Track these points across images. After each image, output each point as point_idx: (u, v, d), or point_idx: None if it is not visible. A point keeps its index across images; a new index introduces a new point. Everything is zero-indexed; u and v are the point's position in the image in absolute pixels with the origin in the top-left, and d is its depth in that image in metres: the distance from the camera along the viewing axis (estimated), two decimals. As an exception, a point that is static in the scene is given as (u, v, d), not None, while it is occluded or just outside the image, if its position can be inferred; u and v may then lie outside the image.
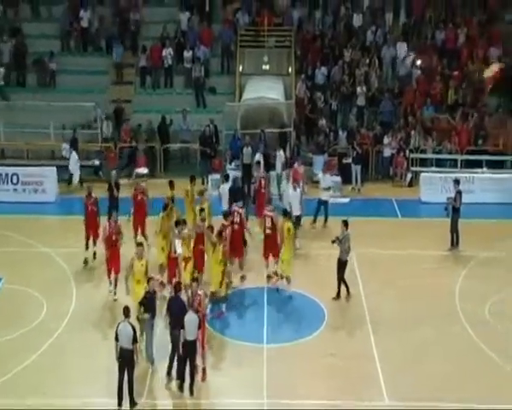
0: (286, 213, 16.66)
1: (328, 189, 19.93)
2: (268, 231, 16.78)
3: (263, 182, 19.31)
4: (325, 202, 19.69)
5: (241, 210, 17.20)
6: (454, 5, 27.28)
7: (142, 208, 17.84)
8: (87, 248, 17.39)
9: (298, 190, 18.52)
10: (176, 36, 26.40)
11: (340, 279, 16.03)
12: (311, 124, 24.40)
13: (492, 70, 24.04)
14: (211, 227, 15.94)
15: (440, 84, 24.93)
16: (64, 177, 22.09)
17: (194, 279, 14.00)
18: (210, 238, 15.50)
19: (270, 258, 16.82)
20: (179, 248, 15.38)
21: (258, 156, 20.94)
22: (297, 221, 18.12)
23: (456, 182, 18.76)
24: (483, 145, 23.44)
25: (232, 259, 16.47)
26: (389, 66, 25.95)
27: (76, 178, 22.06)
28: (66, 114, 23.34)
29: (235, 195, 18.30)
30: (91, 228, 17.32)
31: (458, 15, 26.99)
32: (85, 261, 17.37)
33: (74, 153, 22.26)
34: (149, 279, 13.85)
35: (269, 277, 16.69)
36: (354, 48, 25.99)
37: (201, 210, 16.96)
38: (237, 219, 16.91)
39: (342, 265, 15.99)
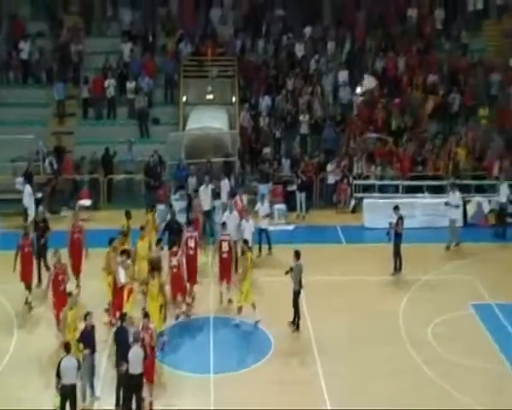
0: (247, 244, 16.96)
1: (266, 216, 20.33)
2: (225, 256, 17.06)
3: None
4: (265, 230, 20.07)
5: (194, 234, 17.48)
6: (393, 35, 28.51)
7: (78, 248, 17.61)
8: (28, 289, 17.06)
9: (250, 221, 18.90)
10: (118, 67, 26.77)
11: (295, 308, 16.40)
12: (256, 153, 24.99)
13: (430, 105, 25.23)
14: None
15: (382, 111, 25.90)
16: (9, 211, 21.92)
17: (145, 315, 14.17)
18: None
19: (225, 283, 17.22)
20: (123, 277, 15.55)
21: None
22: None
23: (396, 208, 19.50)
24: (423, 171, 24.40)
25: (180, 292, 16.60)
26: (331, 94, 26.86)
27: (31, 213, 21.36)
28: (6, 148, 23.27)
29: (171, 229, 18.40)
30: (26, 272, 16.90)
31: (398, 44, 28.19)
32: (26, 301, 17.08)
33: (28, 186, 21.77)
34: (86, 315, 13.85)
35: (229, 300, 17.18)
36: (297, 76, 26.82)
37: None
38: (192, 244, 17.16)
39: (295, 295, 16.41)
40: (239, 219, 18.96)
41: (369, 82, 26.18)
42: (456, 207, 20.92)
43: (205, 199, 21.01)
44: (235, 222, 18.72)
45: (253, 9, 28.56)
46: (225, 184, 21.91)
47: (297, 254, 16.42)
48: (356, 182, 24.11)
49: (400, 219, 19.15)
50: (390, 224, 19.28)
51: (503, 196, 21.91)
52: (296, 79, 26.72)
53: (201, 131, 23.69)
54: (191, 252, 17.23)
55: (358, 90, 26.18)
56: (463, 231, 22.08)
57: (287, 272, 16.32)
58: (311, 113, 25.86)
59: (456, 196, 21.20)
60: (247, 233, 18.55)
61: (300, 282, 16.35)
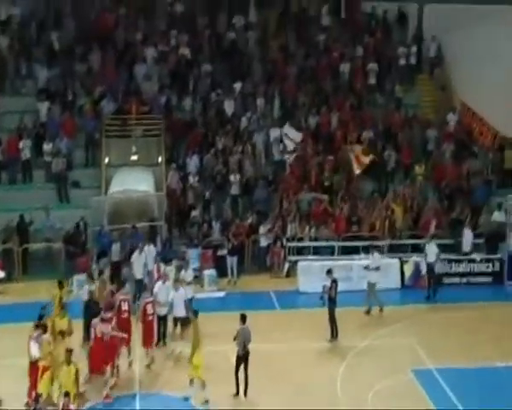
0: (196, 314, 17.36)
1: (190, 283, 20.60)
2: (150, 318, 17.51)
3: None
4: (190, 299, 20.11)
5: (127, 296, 18.00)
6: (326, 90, 30.12)
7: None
8: None
9: (181, 289, 19.36)
10: (34, 127, 27.04)
11: (236, 374, 17.06)
12: (184, 215, 25.71)
13: (363, 163, 26.64)
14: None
15: (315, 169, 27.18)
16: None
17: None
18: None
19: (148, 348, 17.81)
20: (36, 352, 15.68)
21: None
22: (184, 323, 18.92)
23: (329, 272, 20.47)
24: (359, 231, 25.66)
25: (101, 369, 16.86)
26: (263, 152, 28.03)
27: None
28: None
29: (89, 309, 18.51)
30: None
31: (331, 100, 29.79)
32: None
33: None
34: None
35: (147, 366, 17.56)
36: (227, 134, 27.88)
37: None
38: (125, 307, 17.67)
39: (239, 359, 17.07)
40: (174, 288, 19.16)
41: (294, 135, 27.45)
42: (376, 269, 21.90)
43: (137, 267, 21.46)
44: (167, 293, 19.07)
45: (179, 65, 29.69)
46: (150, 251, 22.31)
47: (243, 318, 17.14)
48: (290, 244, 25.10)
49: (334, 282, 20.08)
50: (323, 288, 20.20)
51: (431, 255, 23.03)
52: (226, 138, 27.80)
53: (125, 195, 24.21)
54: (125, 315, 17.72)
55: (287, 143, 27.35)
56: (400, 292, 23.28)
57: (235, 338, 17.03)
58: (241, 172, 26.92)
59: (375, 259, 22.18)
60: (179, 303, 18.93)
61: (245, 346, 17.01)
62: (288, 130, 27.72)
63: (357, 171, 26.50)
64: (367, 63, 30.75)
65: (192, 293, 20.44)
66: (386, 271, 23.56)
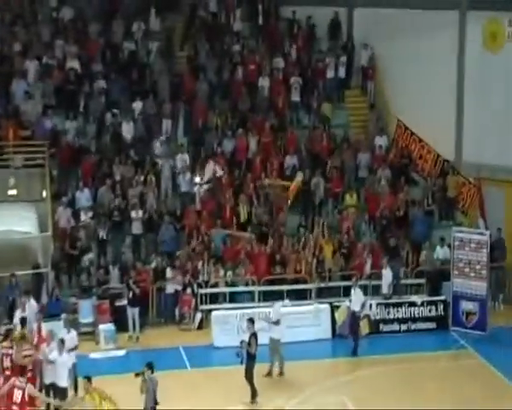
0: (89, 380, 17.23)
1: (74, 349, 19.95)
2: (15, 408, 17.10)
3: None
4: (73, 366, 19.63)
5: (10, 351, 18.14)
6: (242, 110, 30.77)
7: None
8: None
9: (72, 353, 19.37)
10: None
11: None
12: (75, 260, 25.70)
13: (292, 188, 27.36)
14: None
15: (231, 202, 27.69)
16: None
17: None
18: None
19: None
20: None
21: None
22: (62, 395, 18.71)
23: (251, 321, 20.79)
24: (282, 272, 26.19)
25: None
26: (169, 183, 28.40)
27: None
28: None
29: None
30: None
31: (248, 121, 30.45)
32: None
33: None
34: None
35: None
36: (126, 163, 28.10)
37: None
38: (7, 363, 17.84)
39: None
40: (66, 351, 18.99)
41: (211, 170, 27.99)
42: (276, 323, 22.02)
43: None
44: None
45: (67, 80, 29.73)
46: (32, 306, 21.86)
47: (150, 366, 17.34)
48: (202, 291, 25.42)
49: (253, 335, 20.44)
50: (241, 343, 20.54)
51: (356, 303, 23.54)
52: (125, 166, 28.04)
53: (2, 237, 24.05)
54: (7, 373, 17.81)
55: (197, 179, 27.86)
56: (332, 343, 23.86)
57: (142, 391, 17.20)
58: (144, 207, 27.15)
59: (276, 311, 22.30)
60: (61, 371, 18.63)
61: (155, 398, 17.23)
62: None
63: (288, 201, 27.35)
64: (289, 77, 31.58)
65: (74, 359, 19.85)
66: (314, 319, 24.28)
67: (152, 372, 17.42)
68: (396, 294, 25.70)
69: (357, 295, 23.63)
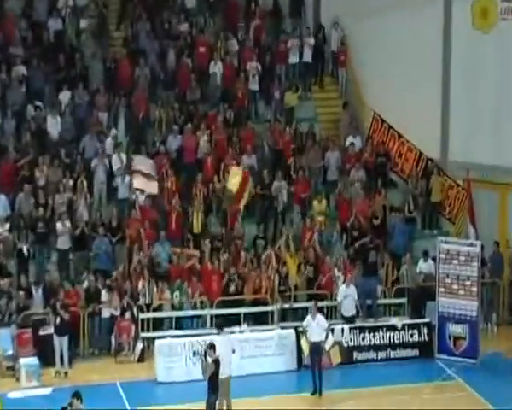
0: None
1: None
2: None
3: None
4: None
5: None
6: (190, 101, 31.02)
7: None
8: None
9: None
10: None
11: None
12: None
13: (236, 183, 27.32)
14: None
15: (177, 211, 27.87)
16: None
17: None
18: None
19: None
20: None
21: None
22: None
23: (211, 348, 20.55)
24: (239, 293, 26.35)
25: None
26: (103, 189, 28.49)
27: None
28: None
29: None
30: None
31: (197, 114, 30.70)
32: None
33: None
34: None
35: None
36: (51, 164, 28.09)
37: None
38: None
39: None
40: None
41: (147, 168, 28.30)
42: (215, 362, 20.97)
43: None
44: None
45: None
46: None
47: (77, 396, 17.45)
48: (143, 315, 25.52)
49: (215, 363, 20.28)
50: (202, 363, 20.54)
51: (315, 332, 23.22)
52: (50, 169, 28.10)
53: None
54: None
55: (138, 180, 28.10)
56: (297, 376, 24.09)
57: None
58: (73, 218, 27.22)
59: (224, 342, 21.50)
60: None
61: None
62: (140, 162, 28.49)
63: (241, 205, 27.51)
64: (246, 62, 31.93)
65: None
66: (277, 347, 24.53)
67: (81, 402, 17.45)
68: (372, 316, 26.08)
69: (318, 323, 23.49)
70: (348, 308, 25.68)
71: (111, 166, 28.68)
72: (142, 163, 28.71)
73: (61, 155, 28.72)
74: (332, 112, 32.71)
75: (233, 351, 21.94)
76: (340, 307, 25.80)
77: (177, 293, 26.15)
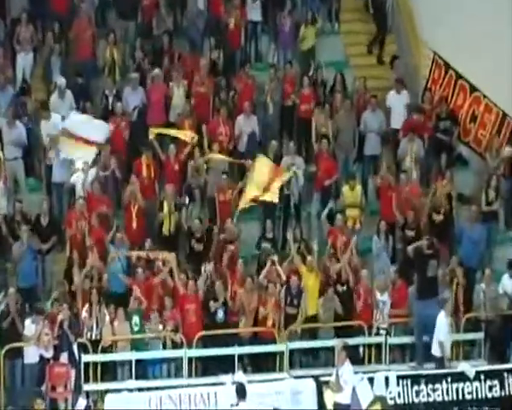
0: None
1: None
2: None
3: None
4: None
5: None
6: (158, 36, 31.27)
7: None
8: None
9: None
10: None
11: None
12: None
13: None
14: None
15: (138, 201, 27.96)
16: None
17: None
18: None
19: None
20: None
21: None
22: None
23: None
24: (231, 323, 26.41)
25: None
26: (20, 168, 28.91)
27: None
28: None
29: None
30: None
31: (170, 56, 30.95)
32: None
33: None
34: None
35: None
36: None
37: None
38: None
39: None
40: None
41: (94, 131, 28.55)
42: None
43: None
44: None
45: None
46: None
47: None
48: (88, 358, 25.47)
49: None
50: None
51: (346, 392, 23.21)
52: None
53: None
54: None
55: (80, 161, 28.23)
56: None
57: None
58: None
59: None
60: None
61: None
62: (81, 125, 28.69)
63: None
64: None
65: None
66: (289, 402, 24.68)
67: None
68: (431, 360, 26.11)
69: (342, 375, 23.31)
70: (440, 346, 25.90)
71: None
72: (84, 128, 28.81)
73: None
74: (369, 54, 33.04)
75: None
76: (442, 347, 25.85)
77: (136, 321, 26.24)
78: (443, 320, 25.70)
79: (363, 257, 28.26)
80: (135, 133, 29.42)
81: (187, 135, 28.42)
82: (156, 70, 30.08)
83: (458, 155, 30.98)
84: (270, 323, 26.55)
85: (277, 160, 28.99)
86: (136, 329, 26.20)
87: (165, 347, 26.27)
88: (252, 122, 29.91)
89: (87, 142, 28.48)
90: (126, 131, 29.26)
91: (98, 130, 28.74)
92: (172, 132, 28.66)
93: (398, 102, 30.94)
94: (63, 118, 28.91)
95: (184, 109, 29.84)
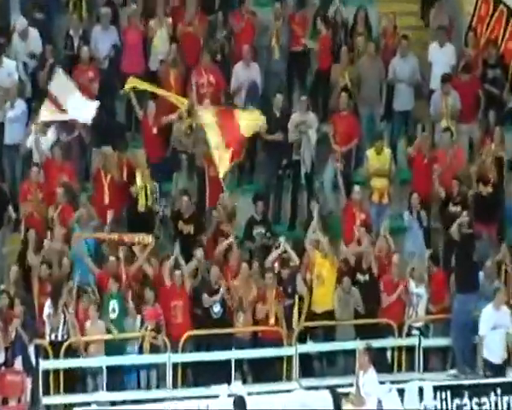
0: None
1: None
2: None
3: None
4: None
5: None
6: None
7: None
8: None
9: None
10: None
11: None
12: None
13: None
14: None
15: (111, 171, 28.12)
16: None
17: None
18: None
19: None
20: None
21: None
22: None
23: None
24: (226, 321, 26.45)
25: None
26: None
27: None
28: None
29: None
30: None
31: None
32: None
33: None
34: None
35: None
36: None
37: None
38: None
39: None
40: None
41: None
42: None
43: None
44: None
45: None
46: None
47: None
48: (48, 364, 25.47)
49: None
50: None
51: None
52: None
53: None
54: None
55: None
56: None
57: None
58: None
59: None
60: None
61: None
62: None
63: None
64: None
65: None
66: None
67: None
68: (472, 368, 26.18)
69: (364, 384, 23.63)
70: (495, 348, 25.94)
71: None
72: (70, 101, 28.48)
73: None
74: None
75: None
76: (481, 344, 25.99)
77: (115, 305, 26.26)
78: (491, 314, 25.71)
79: (392, 239, 28.05)
80: (106, 85, 29.44)
81: (179, 100, 28.35)
82: (133, 5, 30.07)
83: (510, 111, 30.78)
84: (272, 321, 26.60)
85: (284, 117, 29.03)
86: (113, 317, 26.17)
87: (142, 350, 26.29)
88: (252, 71, 29.96)
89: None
90: (95, 83, 29.28)
91: (84, 106, 28.52)
92: (160, 92, 28.49)
93: (441, 57, 30.99)
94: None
95: (168, 55, 29.89)
